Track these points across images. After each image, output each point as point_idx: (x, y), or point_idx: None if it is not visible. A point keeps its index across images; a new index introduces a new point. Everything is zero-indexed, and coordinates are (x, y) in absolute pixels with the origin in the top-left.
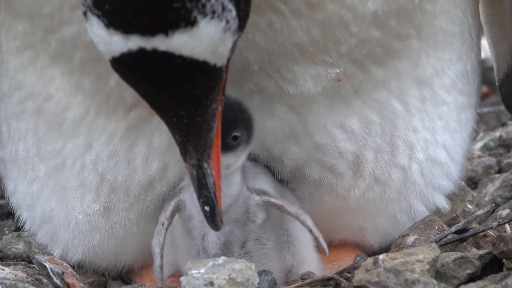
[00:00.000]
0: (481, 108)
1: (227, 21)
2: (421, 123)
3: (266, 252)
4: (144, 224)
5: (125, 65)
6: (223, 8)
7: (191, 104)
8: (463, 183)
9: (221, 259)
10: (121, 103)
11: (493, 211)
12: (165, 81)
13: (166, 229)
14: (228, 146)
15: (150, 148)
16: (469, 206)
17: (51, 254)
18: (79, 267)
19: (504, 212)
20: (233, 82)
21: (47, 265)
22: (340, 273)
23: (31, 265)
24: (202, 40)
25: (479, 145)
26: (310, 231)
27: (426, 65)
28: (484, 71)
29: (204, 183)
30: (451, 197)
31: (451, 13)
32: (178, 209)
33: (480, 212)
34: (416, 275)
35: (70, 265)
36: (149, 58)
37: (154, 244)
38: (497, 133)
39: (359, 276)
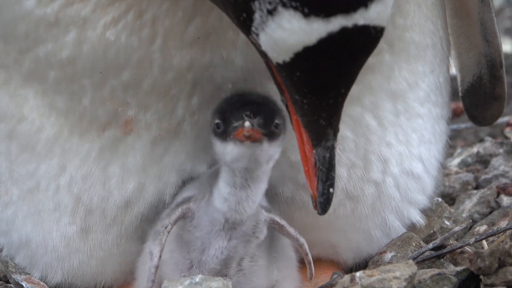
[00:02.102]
0: (459, 124)
1: None
2: (395, 137)
3: (257, 270)
4: (124, 245)
5: (319, 51)
6: None
7: (355, 78)
8: (440, 199)
9: (198, 277)
10: (94, 122)
11: (470, 228)
12: (357, 57)
13: (168, 232)
14: (272, 134)
15: (125, 168)
16: (447, 223)
17: (28, 274)
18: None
19: (481, 229)
20: (209, 101)
21: (24, 285)
22: None
23: (8, 284)
24: (388, 4)
25: (456, 161)
26: (306, 255)
27: (399, 79)
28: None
29: (334, 164)
30: (426, 212)
31: (423, 26)
32: (183, 217)
33: (458, 228)
34: None
35: (49, 287)
36: (349, 36)
37: (154, 244)
38: (474, 149)
39: None
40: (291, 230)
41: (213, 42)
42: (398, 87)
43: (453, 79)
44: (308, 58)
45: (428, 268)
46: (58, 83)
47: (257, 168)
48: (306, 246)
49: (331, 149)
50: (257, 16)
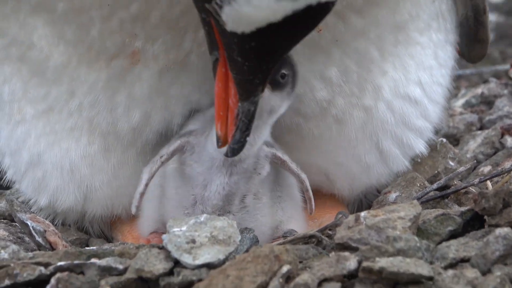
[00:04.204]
0: (463, 69)
1: None
2: (392, 66)
3: (261, 207)
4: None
5: (282, 27)
6: None
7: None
8: (444, 140)
9: (203, 217)
10: (102, 53)
11: (474, 168)
12: (310, 30)
13: (163, 163)
14: (277, 83)
15: (131, 98)
16: (451, 163)
17: (33, 213)
18: (62, 225)
19: (485, 169)
20: None
21: (29, 223)
22: (322, 231)
23: (13, 223)
24: None
25: (460, 102)
26: (306, 191)
27: (402, 11)
28: None
29: (254, 117)
30: (432, 146)
31: None
32: (181, 150)
33: (462, 169)
34: (398, 232)
35: (52, 223)
36: (312, 13)
37: (144, 171)
38: (478, 90)
39: (341, 233)
40: (293, 166)
41: None
42: (401, 19)
43: None
44: (268, 32)
45: (432, 208)
46: (67, 14)
47: (257, 118)
48: (307, 182)
49: (256, 103)
50: None
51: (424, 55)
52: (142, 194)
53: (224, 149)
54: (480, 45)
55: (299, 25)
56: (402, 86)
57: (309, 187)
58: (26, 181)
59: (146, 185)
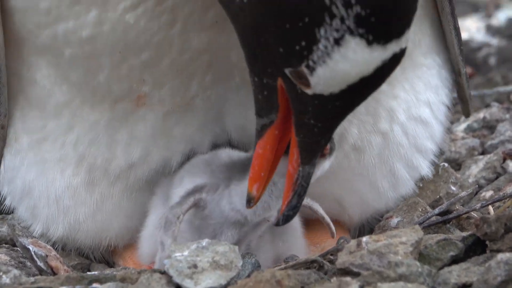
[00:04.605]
0: None
1: None
2: (402, 89)
3: (263, 245)
4: (129, 199)
5: (372, 80)
6: None
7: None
8: (446, 164)
9: (204, 242)
10: (107, 96)
11: (476, 193)
12: (382, 81)
13: (180, 223)
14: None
15: (133, 136)
16: (453, 188)
17: (35, 237)
18: (63, 250)
19: (487, 194)
20: (222, 78)
21: (30, 248)
22: (323, 256)
23: (14, 248)
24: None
25: (462, 126)
26: (323, 219)
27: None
28: (469, 52)
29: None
30: (433, 171)
31: None
32: (195, 206)
33: (464, 193)
34: (400, 257)
35: (54, 248)
36: (396, 61)
37: (166, 235)
38: (481, 115)
39: (343, 258)
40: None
41: (231, 24)
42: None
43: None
44: (359, 88)
45: (434, 233)
46: (74, 59)
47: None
48: (321, 210)
49: (315, 166)
50: (320, 46)
51: (430, 75)
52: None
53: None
54: (463, 104)
55: (384, 76)
56: (414, 108)
57: (324, 214)
58: (21, 209)
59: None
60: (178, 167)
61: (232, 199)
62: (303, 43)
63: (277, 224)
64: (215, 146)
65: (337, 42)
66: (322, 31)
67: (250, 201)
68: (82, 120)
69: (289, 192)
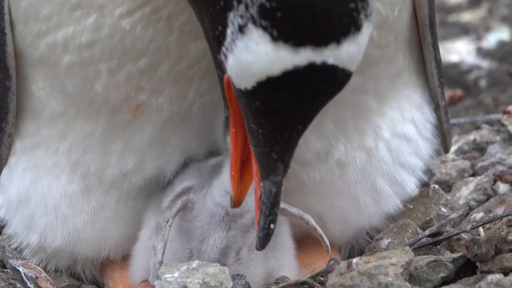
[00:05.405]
0: (458, 118)
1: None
2: (389, 107)
3: (254, 258)
4: (126, 206)
5: (282, 84)
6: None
7: (314, 116)
8: (437, 186)
9: (195, 263)
10: (104, 107)
11: (467, 215)
12: (320, 97)
13: (170, 226)
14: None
15: (129, 146)
16: (443, 210)
17: (25, 259)
18: (55, 272)
19: (477, 215)
20: (218, 83)
21: (20, 270)
22: (314, 277)
23: (5, 269)
24: (361, 46)
25: (453, 148)
26: (315, 230)
27: (398, 63)
28: (459, 75)
29: (279, 201)
30: (423, 192)
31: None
32: (184, 208)
33: (454, 215)
34: (390, 279)
35: (45, 270)
36: (316, 74)
37: (157, 240)
38: (471, 137)
39: (333, 279)
40: (294, 210)
41: None
42: (397, 69)
43: (451, 66)
44: (269, 89)
45: (424, 254)
46: (72, 67)
47: None
48: (312, 221)
49: (279, 184)
50: (229, 32)
51: (415, 93)
52: (161, 263)
53: (228, 200)
54: (443, 138)
55: (304, 87)
56: (399, 125)
57: (316, 225)
58: (17, 220)
59: (163, 253)
60: (173, 176)
61: (214, 194)
62: (220, 28)
63: (256, 247)
64: (210, 154)
65: (241, 29)
66: (231, 15)
67: (230, 201)
68: (76, 130)
69: (256, 210)
